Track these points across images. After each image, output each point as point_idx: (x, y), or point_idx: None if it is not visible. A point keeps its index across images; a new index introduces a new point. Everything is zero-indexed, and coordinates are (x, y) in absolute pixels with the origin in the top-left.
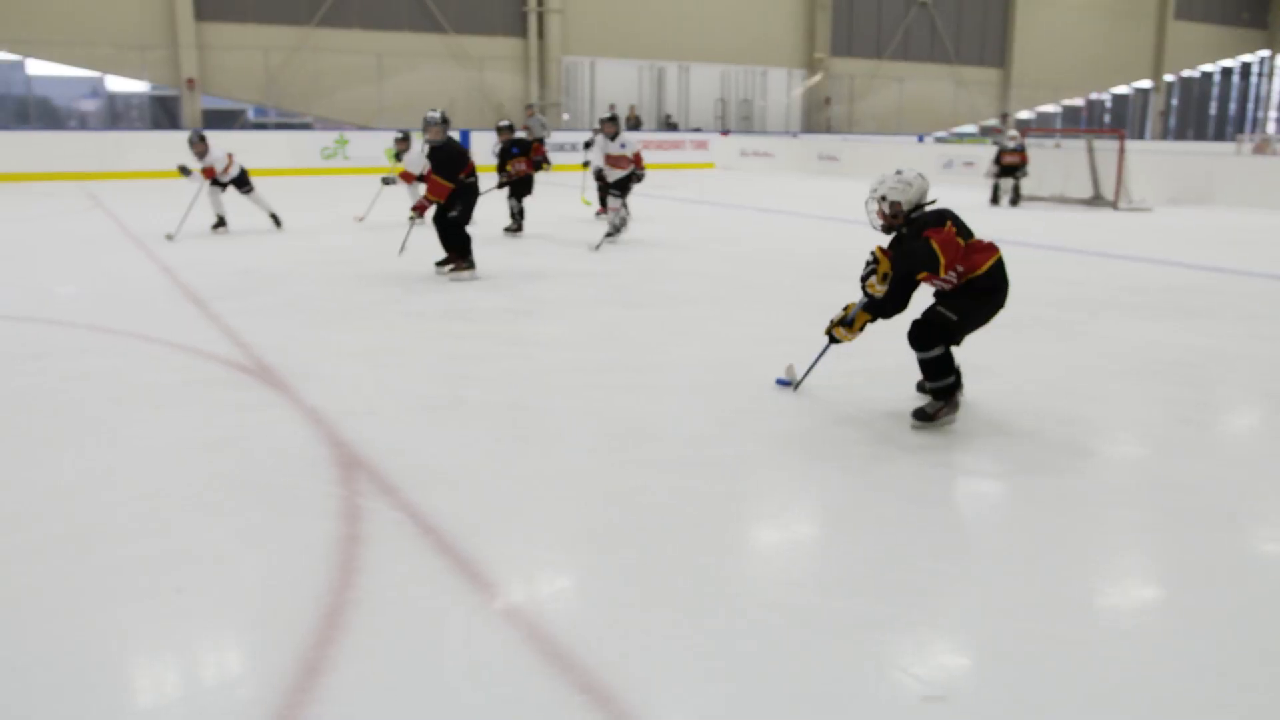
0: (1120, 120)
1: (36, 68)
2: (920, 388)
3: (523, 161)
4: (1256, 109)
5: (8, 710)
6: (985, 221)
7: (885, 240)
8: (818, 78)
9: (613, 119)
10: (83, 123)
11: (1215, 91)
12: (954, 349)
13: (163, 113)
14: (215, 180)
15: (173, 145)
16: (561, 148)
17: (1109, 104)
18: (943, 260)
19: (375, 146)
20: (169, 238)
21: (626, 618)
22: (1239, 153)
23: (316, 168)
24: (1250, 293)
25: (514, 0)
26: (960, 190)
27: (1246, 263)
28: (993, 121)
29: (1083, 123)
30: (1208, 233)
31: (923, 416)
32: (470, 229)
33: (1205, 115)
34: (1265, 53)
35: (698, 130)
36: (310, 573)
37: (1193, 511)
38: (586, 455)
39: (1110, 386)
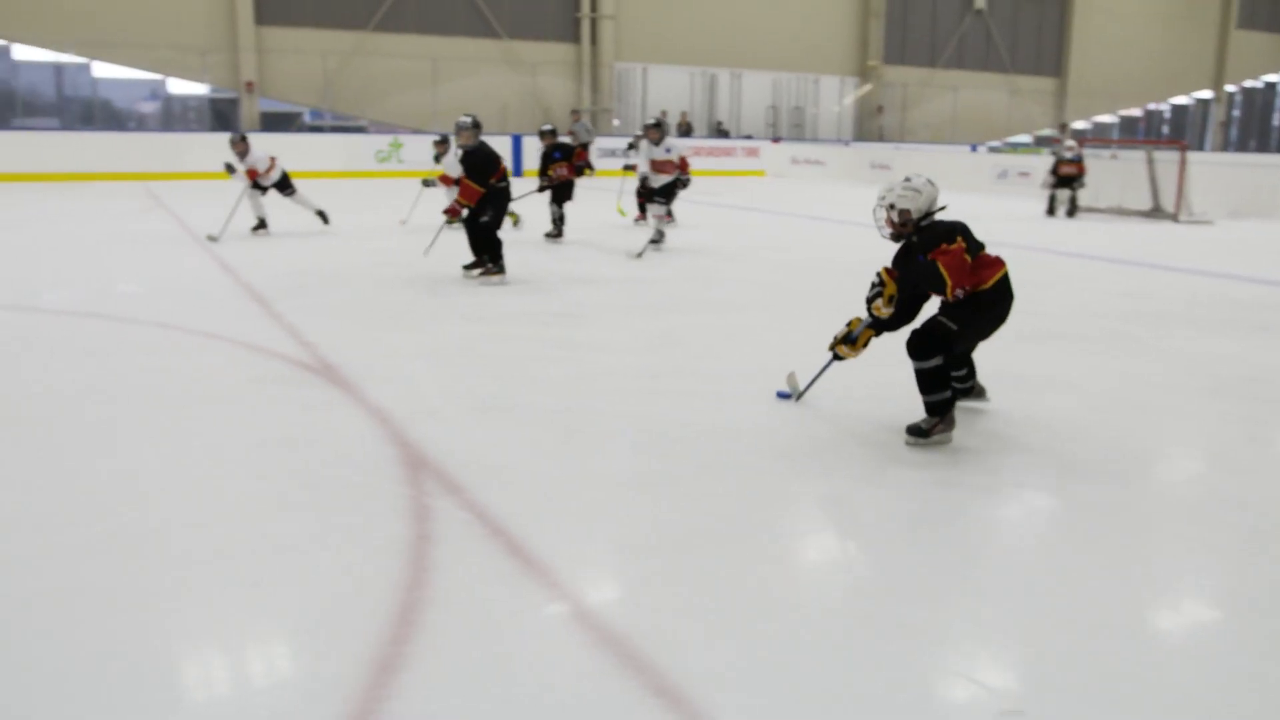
0: (1179, 131)
1: (101, 70)
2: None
3: (564, 166)
4: None
5: (91, 702)
6: (1041, 233)
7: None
8: (868, 87)
9: (658, 124)
10: (141, 124)
11: (1279, 102)
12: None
13: (221, 115)
14: (256, 183)
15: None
16: (613, 153)
17: (1167, 114)
18: (949, 283)
19: (429, 150)
20: (212, 239)
21: (693, 621)
22: None
23: (370, 171)
24: None
25: (568, 6)
26: (1015, 201)
27: None
28: (1048, 131)
29: (1140, 133)
30: (1271, 246)
31: (917, 433)
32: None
33: (1268, 126)
34: None
35: (749, 137)
36: (382, 570)
37: (1255, 530)
38: (648, 459)
39: (1174, 401)
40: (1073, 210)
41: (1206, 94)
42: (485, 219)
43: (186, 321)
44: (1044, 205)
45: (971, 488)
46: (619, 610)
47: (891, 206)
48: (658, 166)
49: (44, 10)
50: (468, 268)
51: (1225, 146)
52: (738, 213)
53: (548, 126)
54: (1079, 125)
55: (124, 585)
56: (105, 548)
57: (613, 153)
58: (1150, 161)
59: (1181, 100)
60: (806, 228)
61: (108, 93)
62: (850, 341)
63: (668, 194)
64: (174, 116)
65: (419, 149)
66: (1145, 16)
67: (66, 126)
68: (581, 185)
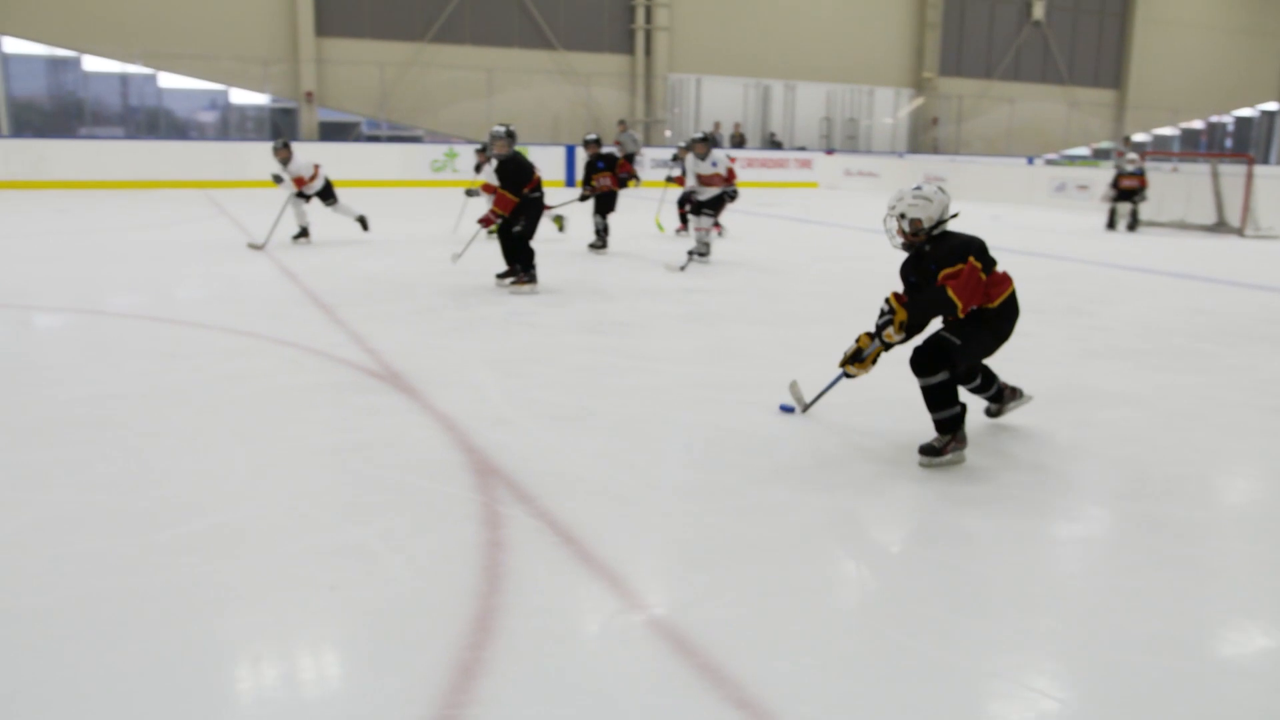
0: (1243, 144)
1: (166, 80)
2: (989, 413)
3: (607, 176)
4: None
5: (176, 701)
6: (1102, 247)
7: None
8: (920, 100)
9: (704, 139)
10: (201, 133)
11: None
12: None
13: (281, 124)
14: (300, 192)
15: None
16: (664, 163)
17: (1230, 127)
18: (960, 306)
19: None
20: (255, 247)
21: (767, 633)
22: None
23: (426, 180)
24: None
25: (622, 18)
26: (1074, 215)
27: None
28: (1106, 144)
29: (1202, 146)
30: None
31: (930, 452)
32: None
33: None
34: None
35: (802, 149)
36: (457, 576)
37: None
38: (714, 470)
39: (1246, 418)
40: (1134, 224)
41: (1272, 106)
42: (518, 228)
43: (254, 327)
44: (1104, 219)
45: (1035, 501)
46: (693, 619)
47: (902, 216)
48: (705, 180)
49: (114, 23)
50: (501, 276)
51: None
52: (791, 224)
53: (592, 136)
54: (1140, 137)
55: (204, 585)
56: (194, 547)
57: (664, 163)
58: (1215, 175)
59: (1246, 112)
60: (860, 240)
61: (170, 102)
62: (859, 360)
63: (715, 206)
64: (233, 126)
65: (473, 158)
66: (1208, 28)
67: (130, 135)
68: (626, 195)
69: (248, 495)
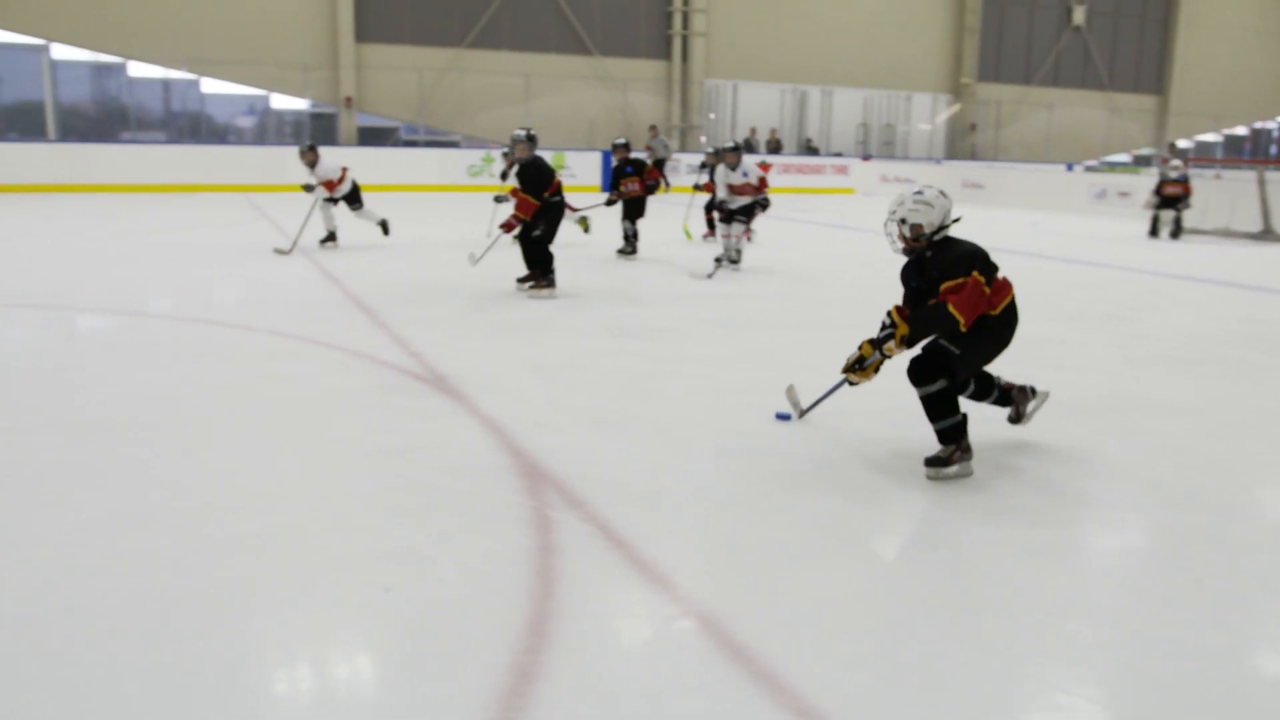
0: None
1: (209, 86)
2: (1012, 420)
3: (634, 181)
4: None
5: (223, 702)
6: (1145, 255)
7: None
8: (958, 105)
9: (735, 148)
10: (240, 138)
11: None
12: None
13: (321, 129)
14: (330, 196)
15: (329, 160)
16: (697, 169)
17: (1276, 133)
18: (962, 321)
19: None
20: (282, 252)
21: (823, 639)
22: None
23: (463, 184)
24: None
25: (659, 23)
26: (1115, 222)
27: None
28: (1147, 150)
29: (1246, 153)
30: None
31: (936, 463)
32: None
33: None
34: None
35: (838, 155)
36: (510, 579)
37: None
38: (763, 475)
39: None
40: (1177, 232)
41: None
42: (537, 233)
43: (299, 330)
44: (1146, 226)
45: (1076, 511)
46: (747, 626)
47: (903, 221)
48: (736, 190)
49: (158, 29)
50: (521, 281)
51: None
52: (826, 230)
53: (621, 140)
54: (1182, 144)
55: (260, 584)
56: (248, 547)
57: (697, 169)
58: (1261, 181)
59: None
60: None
61: (212, 107)
62: (862, 367)
63: (748, 214)
64: (271, 130)
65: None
66: (1252, 32)
67: (172, 140)
68: (655, 201)
69: (299, 495)
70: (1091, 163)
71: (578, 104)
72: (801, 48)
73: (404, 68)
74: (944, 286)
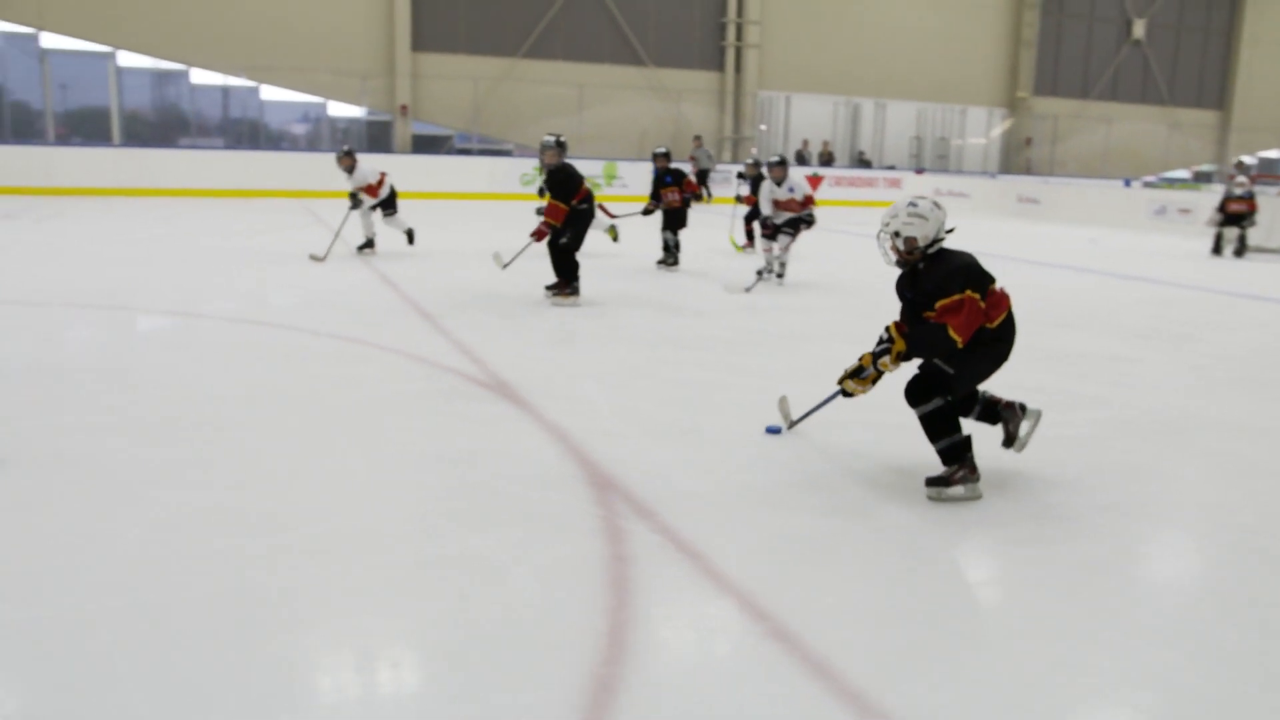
0: None
1: (268, 93)
2: (1005, 445)
3: (674, 191)
4: None
5: (295, 705)
6: (1209, 273)
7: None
8: (1013, 119)
9: (781, 162)
10: (294, 144)
11: None
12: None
13: (376, 137)
14: (372, 202)
15: (383, 167)
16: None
17: None
18: (960, 341)
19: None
20: (317, 259)
21: (902, 654)
22: None
23: (514, 193)
24: None
25: (713, 35)
26: (1176, 239)
27: None
28: (1208, 166)
29: None
30: None
31: (938, 483)
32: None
33: None
34: None
35: (891, 168)
36: (584, 589)
37: None
38: (834, 489)
39: None
40: (1241, 249)
41: None
42: (564, 240)
43: (361, 334)
44: (1209, 244)
45: (1140, 529)
46: (829, 641)
47: (896, 234)
48: (781, 206)
49: (219, 37)
50: (549, 289)
51: None
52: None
53: (661, 149)
54: (1244, 160)
55: (330, 589)
56: (319, 549)
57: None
58: None
59: None
60: None
61: (270, 114)
62: (860, 377)
63: (794, 227)
64: (324, 138)
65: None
66: None
67: (230, 146)
68: (697, 211)
69: (367, 500)
70: (1150, 179)
71: (631, 114)
72: (855, 60)
73: (459, 77)
74: (940, 305)
